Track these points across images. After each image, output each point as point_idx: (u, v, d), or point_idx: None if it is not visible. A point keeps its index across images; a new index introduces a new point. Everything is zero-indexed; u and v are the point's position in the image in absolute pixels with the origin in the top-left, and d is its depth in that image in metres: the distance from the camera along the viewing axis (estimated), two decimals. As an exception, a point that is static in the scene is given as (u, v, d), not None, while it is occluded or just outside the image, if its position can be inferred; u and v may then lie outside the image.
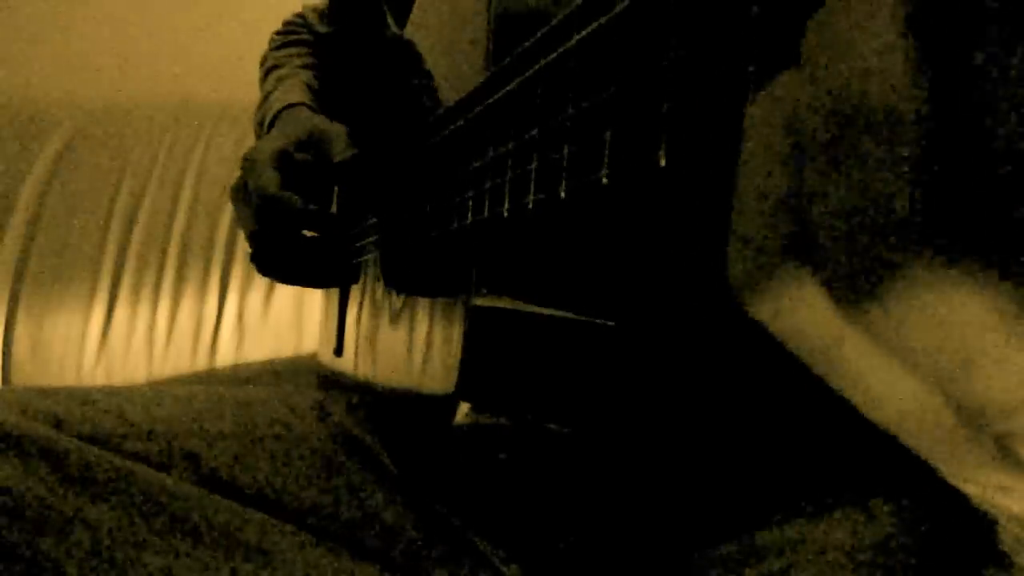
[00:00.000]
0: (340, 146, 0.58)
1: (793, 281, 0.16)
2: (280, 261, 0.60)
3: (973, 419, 0.16)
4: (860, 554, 0.35)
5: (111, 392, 0.47)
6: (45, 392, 0.44)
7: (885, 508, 0.36)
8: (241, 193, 0.60)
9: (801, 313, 0.16)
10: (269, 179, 0.56)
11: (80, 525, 0.37)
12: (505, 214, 0.26)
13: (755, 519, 0.38)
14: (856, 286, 0.16)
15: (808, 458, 0.37)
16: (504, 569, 0.44)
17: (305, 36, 0.81)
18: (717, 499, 0.39)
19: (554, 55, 0.25)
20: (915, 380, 0.16)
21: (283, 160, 0.57)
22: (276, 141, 0.59)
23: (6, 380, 1.05)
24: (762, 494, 0.39)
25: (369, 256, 0.59)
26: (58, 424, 0.41)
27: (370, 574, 0.42)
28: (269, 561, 0.40)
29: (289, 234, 0.58)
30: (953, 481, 0.19)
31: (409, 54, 0.49)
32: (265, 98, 0.72)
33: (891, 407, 0.17)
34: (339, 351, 0.66)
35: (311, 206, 0.56)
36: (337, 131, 0.60)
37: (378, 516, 0.45)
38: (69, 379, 1.06)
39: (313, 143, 0.60)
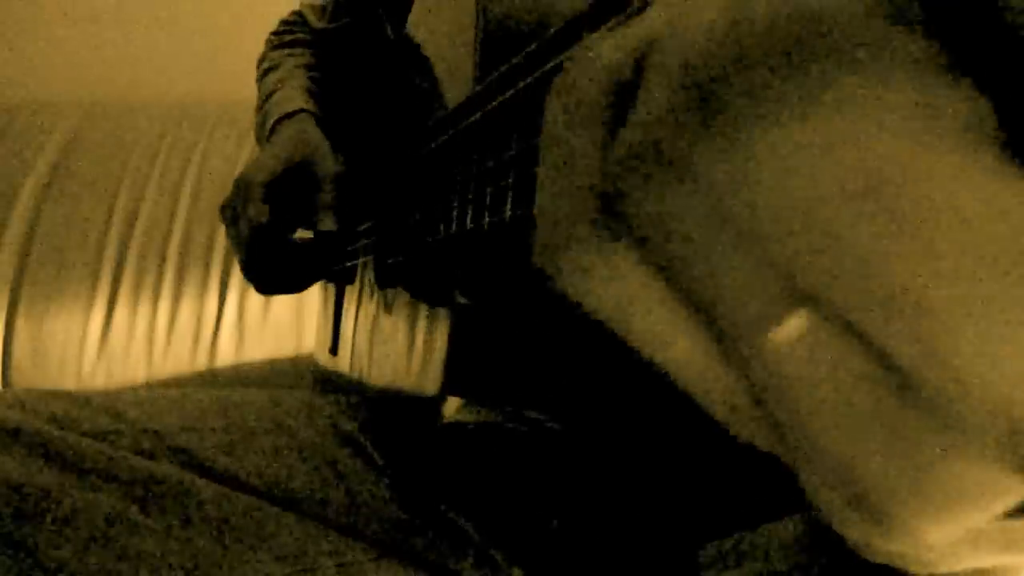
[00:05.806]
0: (328, 164, 0.61)
1: (596, 247, 0.15)
2: (269, 278, 0.64)
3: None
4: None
5: (108, 395, 0.49)
6: (44, 394, 0.46)
7: None
8: (231, 214, 0.62)
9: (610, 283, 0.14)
10: (259, 211, 0.59)
11: (78, 513, 0.38)
12: (485, 226, 0.26)
13: (755, 515, 0.38)
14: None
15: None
16: (504, 568, 0.44)
17: (302, 35, 0.81)
18: (715, 494, 0.39)
19: (529, 80, 0.25)
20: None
21: (273, 189, 0.60)
22: (266, 167, 0.61)
23: (6, 380, 1.06)
24: (760, 488, 0.39)
25: (364, 258, 0.59)
26: (57, 422, 0.43)
27: (359, 552, 0.43)
28: (261, 542, 0.41)
29: (279, 260, 0.62)
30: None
31: (414, 56, 0.50)
32: (266, 99, 0.72)
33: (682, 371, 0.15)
34: (334, 351, 0.66)
35: (300, 234, 0.59)
36: (325, 150, 0.63)
37: (368, 500, 0.47)
38: (69, 379, 1.06)
39: (303, 163, 0.62)
